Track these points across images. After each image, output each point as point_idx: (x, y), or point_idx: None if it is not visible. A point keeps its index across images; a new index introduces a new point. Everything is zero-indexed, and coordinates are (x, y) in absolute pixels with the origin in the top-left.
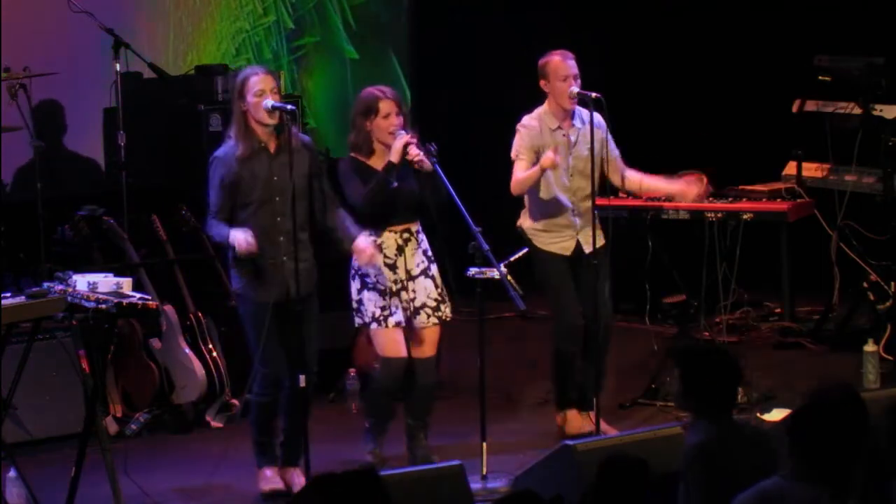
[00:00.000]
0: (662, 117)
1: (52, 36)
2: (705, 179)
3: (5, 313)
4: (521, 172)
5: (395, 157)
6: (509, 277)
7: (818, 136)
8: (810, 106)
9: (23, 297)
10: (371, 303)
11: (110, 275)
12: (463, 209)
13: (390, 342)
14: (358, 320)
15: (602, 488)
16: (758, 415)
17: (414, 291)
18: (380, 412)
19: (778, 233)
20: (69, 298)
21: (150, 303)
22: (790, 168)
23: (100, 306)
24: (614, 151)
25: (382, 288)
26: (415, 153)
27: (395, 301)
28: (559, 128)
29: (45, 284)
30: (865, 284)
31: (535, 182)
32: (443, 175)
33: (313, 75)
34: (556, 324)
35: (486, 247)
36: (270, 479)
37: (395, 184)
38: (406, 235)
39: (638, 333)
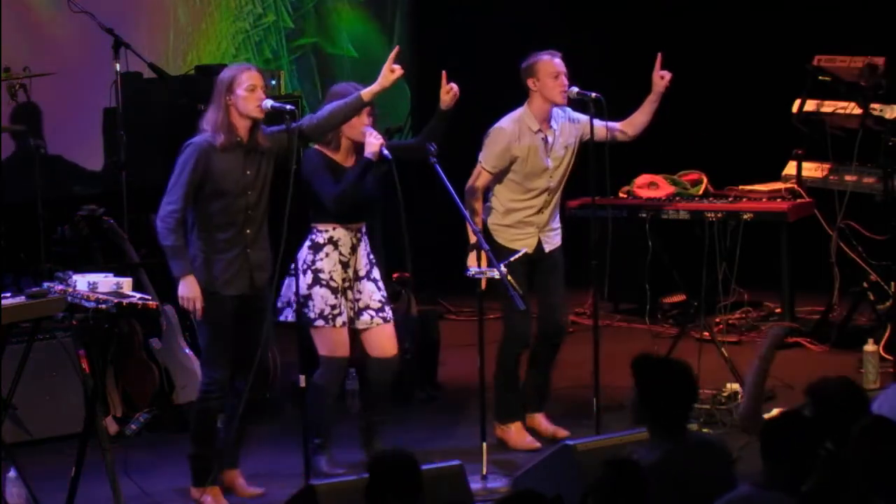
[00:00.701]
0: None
1: (52, 36)
2: (667, 77)
3: (5, 313)
4: (478, 188)
5: (372, 154)
6: (509, 277)
7: (818, 136)
8: (810, 106)
9: (23, 297)
10: (322, 300)
11: (110, 275)
12: (463, 209)
13: (336, 341)
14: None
15: (602, 489)
16: None
17: (359, 292)
18: (321, 412)
19: (778, 233)
20: (69, 298)
21: (150, 303)
22: (790, 168)
23: (100, 306)
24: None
25: (335, 286)
26: (384, 154)
27: (342, 300)
28: (539, 130)
29: (45, 284)
30: (865, 284)
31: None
32: (443, 175)
33: (313, 75)
34: (504, 326)
35: (486, 247)
36: (219, 501)
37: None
38: (358, 235)
39: (638, 333)
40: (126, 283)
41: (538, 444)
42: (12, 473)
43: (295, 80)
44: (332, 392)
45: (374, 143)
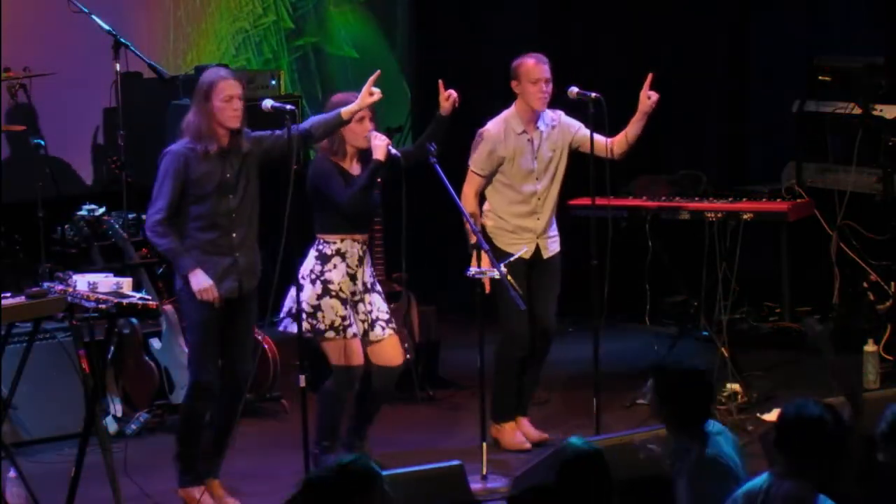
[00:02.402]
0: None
1: (52, 36)
2: (654, 98)
3: (5, 313)
4: (471, 192)
5: (380, 154)
6: (509, 277)
7: (818, 136)
8: (810, 106)
9: (23, 297)
10: (332, 310)
11: (110, 275)
12: (463, 209)
13: (350, 352)
14: (307, 324)
15: (564, 486)
16: (758, 415)
17: (370, 304)
18: (334, 423)
19: (778, 233)
20: (69, 298)
21: (150, 303)
22: (790, 168)
23: (100, 306)
24: (588, 134)
25: (344, 297)
26: (393, 153)
27: (351, 312)
28: (524, 132)
29: (45, 284)
30: (865, 284)
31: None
32: (442, 175)
33: (313, 75)
34: (502, 328)
35: (485, 247)
36: (203, 500)
37: (379, 179)
38: (364, 247)
39: (638, 333)
40: (126, 283)
41: (528, 445)
42: (12, 473)
43: (295, 80)
44: (345, 399)
45: (380, 144)
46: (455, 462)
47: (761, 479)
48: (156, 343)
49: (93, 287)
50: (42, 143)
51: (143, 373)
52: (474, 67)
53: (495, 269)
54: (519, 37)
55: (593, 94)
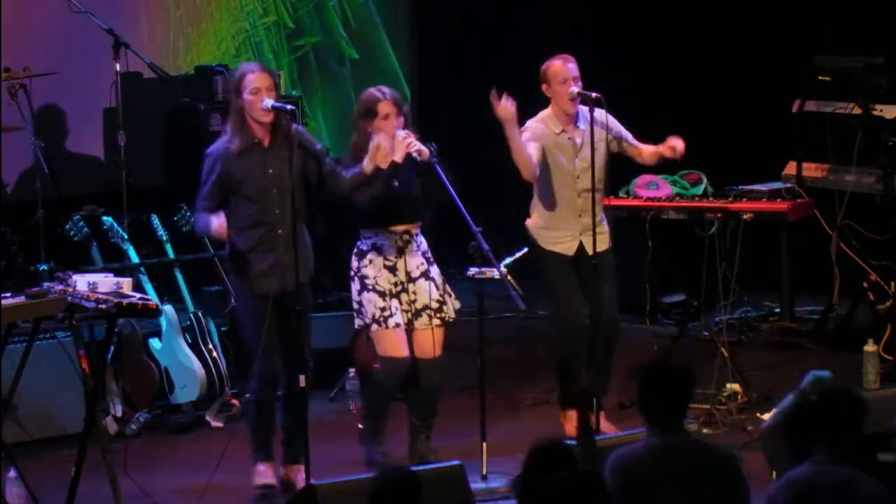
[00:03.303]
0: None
1: (52, 36)
2: (679, 149)
3: (5, 313)
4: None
5: (398, 157)
6: (509, 277)
7: (818, 136)
8: (810, 106)
9: (23, 297)
10: (371, 304)
11: (110, 275)
12: (463, 209)
13: (391, 343)
14: (358, 321)
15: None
16: (758, 414)
17: (414, 293)
18: (378, 412)
19: (778, 233)
20: (69, 298)
21: (150, 303)
22: (790, 168)
23: (100, 306)
24: (625, 136)
25: (381, 290)
26: (413, 146)
27: (394, 302)
28: (563, 131)
29: (45, 284)
30: (865, 284)
31: (520, 151)
32: (443, 175)
33: (313, 75)
34: (558, 324)
35: (485, 247)
36: (263, 473)
37: (397, 183)
38: (406, 237)
39: (638, 333)
40: (126, 283)
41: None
42: (12, 473)
43: (295, 80)
44: (389, 390)
45: (399, 143)
46: (455, 462)
47: (802, 469)
48: (156, 343)
49: (93, 287)
50: (42, 143)
51: (143, 373)
52: (474, 67)
53: (495, 269)
54: (519, 36)
55: (594, 94)
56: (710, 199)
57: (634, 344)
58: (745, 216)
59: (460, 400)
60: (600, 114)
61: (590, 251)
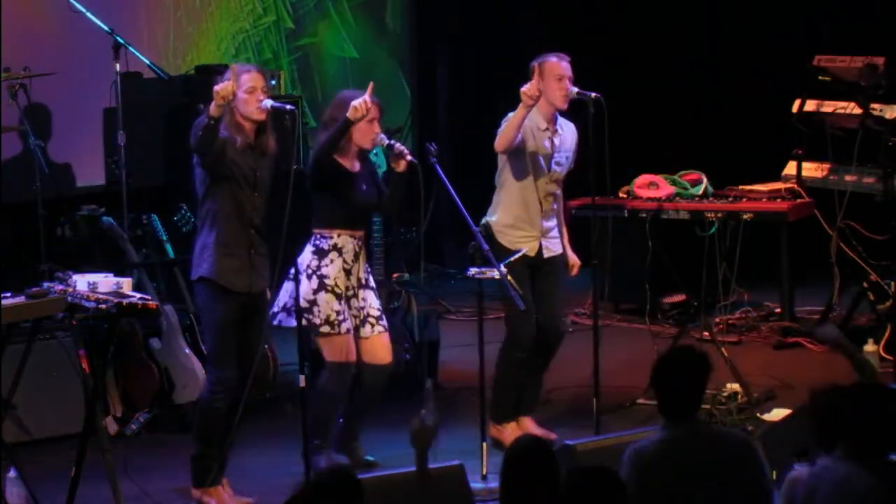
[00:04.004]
0: (663, 117)
1: (52, 36)
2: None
3: (5, 313)
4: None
5: (401, 168)
6: (509, 277)
7: (818, 136)
8: (810, 106)
9: (23, 297)
10: (327, 305)
11: (110, 275)
12: (463, 209)
13: (344, 348)
14: (306, 321)
15: (512, 476)
16: (758, 414)
17: (363, 300)
18: (330, 421)
19: (778, 233)
20: (69, 298)
21: (150, 303)
22: (790, 168)
23: (100, 306)
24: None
25: (339, 292)
26: (398, 147)
27: (345, 307)
28: (546, 129)
29: (45, 284)
30: (865, 284)
31: (517, 128)
32: (442, 175)
33: (313, 75)
34: (509, 328)
35: (485, 247)
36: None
37: (364, 187)
38: (360, 243)
39: (638, 333)
40: (126, 283)
41: None
42: (12, 473)
43: (295, 80)
44: (340, 397)
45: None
46: (455, 462)
47: (815, 467)
48: (156, 343)
49: (93, 287)
50: (42, 143)
51: (143, 373)
52: (473, 67)
53: (495, 269)
54: (519, 36)
55: (593, 94)
56: (710, 199)
57: (634, 344)
58: (745, 216)
59: (460, 400)
60: (572, 130)
61: (546, 254)
